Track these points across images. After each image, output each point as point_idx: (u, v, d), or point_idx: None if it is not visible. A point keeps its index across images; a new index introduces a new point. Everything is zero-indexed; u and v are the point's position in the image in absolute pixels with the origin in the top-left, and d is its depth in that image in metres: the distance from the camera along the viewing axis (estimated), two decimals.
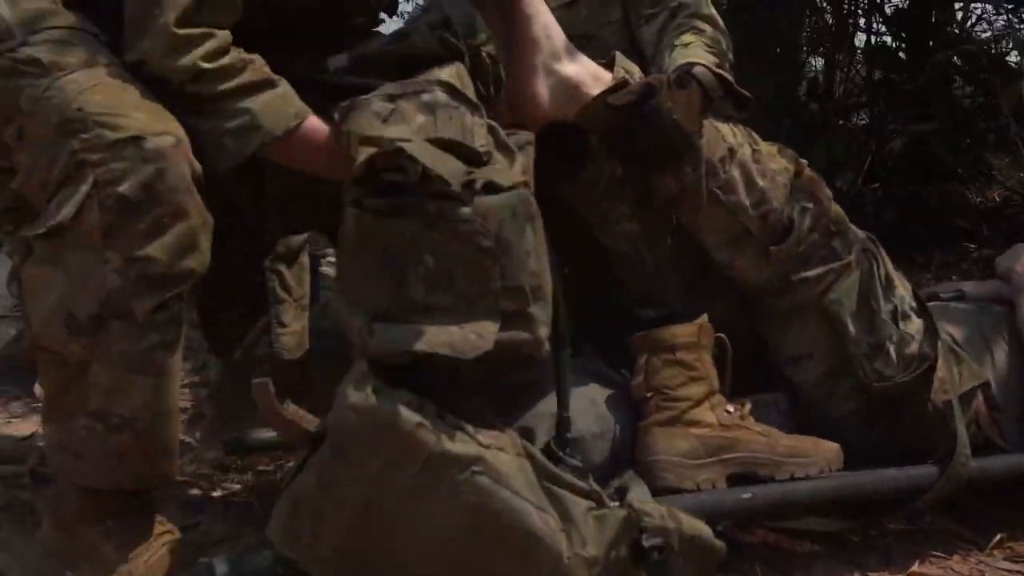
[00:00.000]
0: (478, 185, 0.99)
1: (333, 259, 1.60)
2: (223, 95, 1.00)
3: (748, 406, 1.31)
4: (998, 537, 1.40)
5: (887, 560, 1.35)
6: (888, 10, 3.62)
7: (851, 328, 1.38)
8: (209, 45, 0.99)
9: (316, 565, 1.00)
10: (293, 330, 1.20)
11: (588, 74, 1.32)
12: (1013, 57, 3.06)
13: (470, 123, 1.05)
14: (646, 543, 1.01)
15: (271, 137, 1.02)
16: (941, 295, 1.76)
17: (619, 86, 1.28)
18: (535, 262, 1.02)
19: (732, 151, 1.35)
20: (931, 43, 3.22)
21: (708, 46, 1.53)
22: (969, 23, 3.33)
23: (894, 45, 3.51)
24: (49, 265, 0.94)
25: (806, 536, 1.39)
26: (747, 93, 1.40)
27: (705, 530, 1.07)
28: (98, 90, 0.95)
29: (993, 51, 3.11)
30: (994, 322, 1.61)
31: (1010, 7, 3.02)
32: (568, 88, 1.30)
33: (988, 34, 3.29)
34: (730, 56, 1.59)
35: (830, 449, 1.30)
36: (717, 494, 1.21)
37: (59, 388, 1.01)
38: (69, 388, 0.99)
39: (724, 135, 1.36)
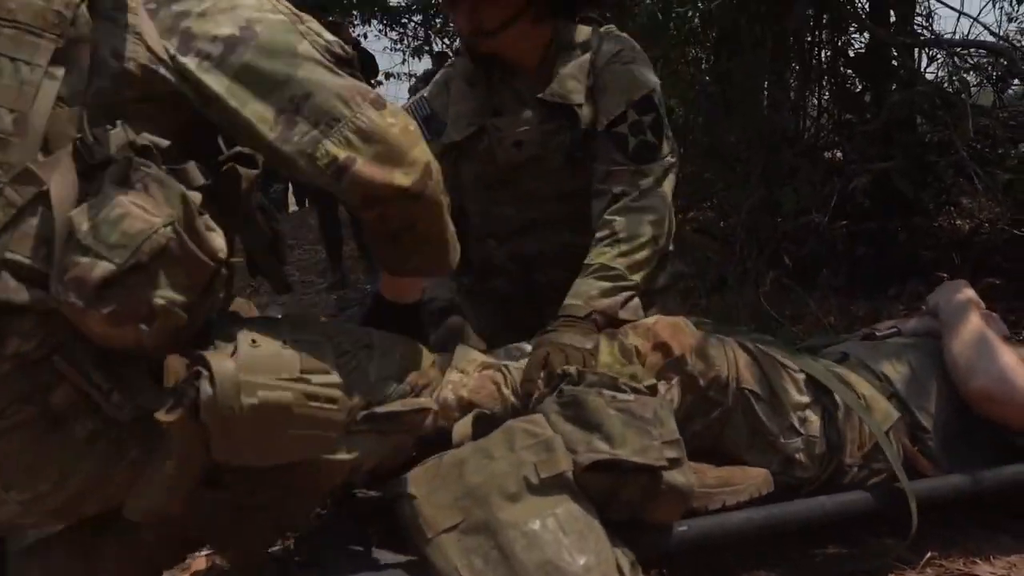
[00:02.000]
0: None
1: None
2: None
3: None
4: (929, 555, 1.52)
5: None
6: (851, 53, 3.79)
7: (754, 459, 1.49)
8: None
9: None
10: None
11: None
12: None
13: None
14: None
15: None
16: (877, 333, 1.90)
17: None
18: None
19: None
20: (893, 86, 3.39)
21: (608, 271, 1.66)
22: (923, 65, 3.48)
23: (857, 88, 3.69)
24: None
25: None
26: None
27: None
28: None
29: (948, 89, 3.25)
30: (925, 354, 1.73)
31: (957, 49, 3.18)
32: None
33: (941, 73, 3.45)
34: (645, 258, 1.69)
35: (758, 475, 1.42)
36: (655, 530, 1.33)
37: None
38: None
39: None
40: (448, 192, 1.21)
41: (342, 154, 1.04)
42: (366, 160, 1.05)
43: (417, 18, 9.49)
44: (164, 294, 0.91)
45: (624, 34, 1.88)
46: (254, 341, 1.01)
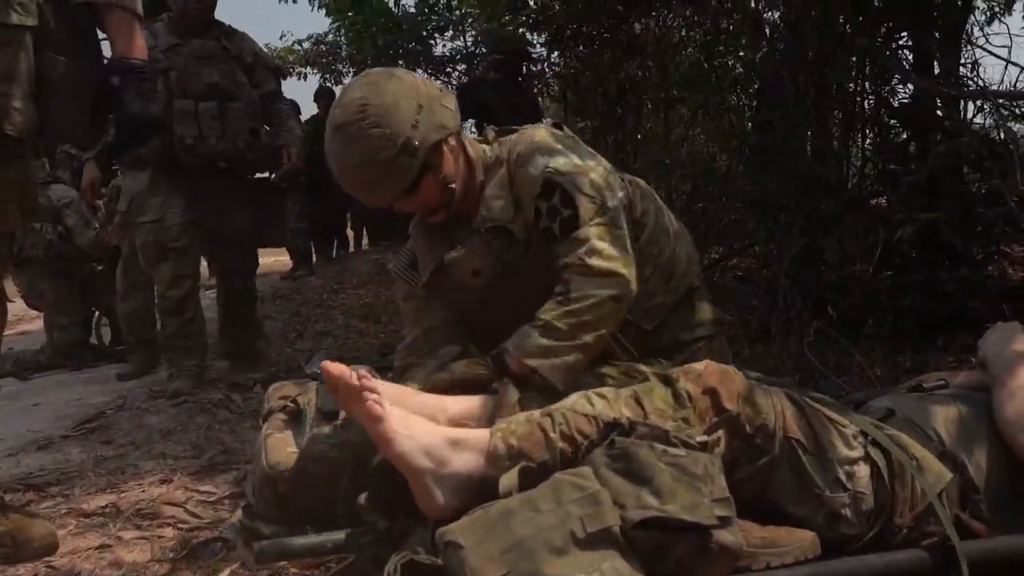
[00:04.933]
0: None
1: None
2: None
3: None
4: None
5: None
6: (895, 103, 3.79)
7: (800, 512, 1.45)
8: None
9: None
10: None
11: (474, 457, 1.40)
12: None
13: None
14: None
15: None
16: (924, 386, 1.87)
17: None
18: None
19: None
20: (938, 136, 3.37)
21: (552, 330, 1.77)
22: (969, 115, 3.46)
23: (903, 137, 3.68)
24: None
25: None
26: None
27: None
28: None
29: (995, 139, 3.22)
30: (974, 409, 1.69)
31: (1000, 101, 3.16)
32: (462, 481, 1.38)
33: (988, 123, 3.42)
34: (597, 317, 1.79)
35: (804, 537, 1.39)
36: None
37: None
38: None
39: None
40: None
41: None
42: None
43: (461, 67, 9.76)
44: None
45: (511, 135, 1.97)
46: None
